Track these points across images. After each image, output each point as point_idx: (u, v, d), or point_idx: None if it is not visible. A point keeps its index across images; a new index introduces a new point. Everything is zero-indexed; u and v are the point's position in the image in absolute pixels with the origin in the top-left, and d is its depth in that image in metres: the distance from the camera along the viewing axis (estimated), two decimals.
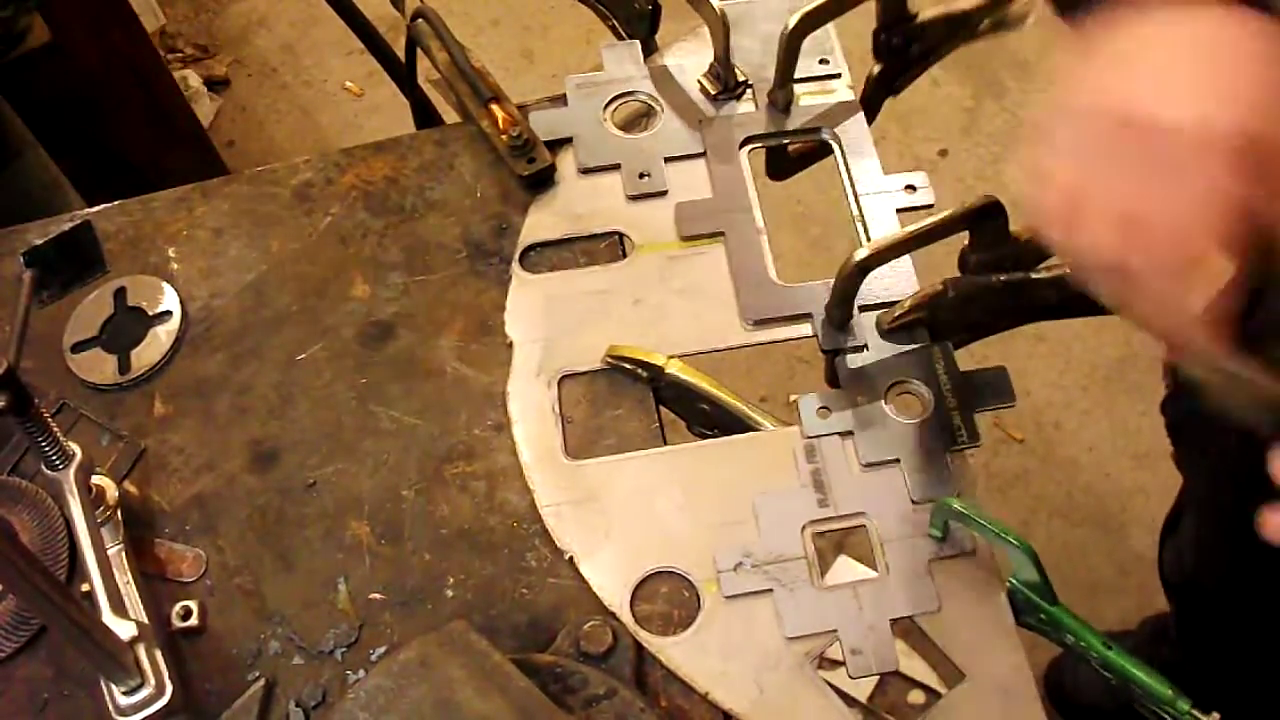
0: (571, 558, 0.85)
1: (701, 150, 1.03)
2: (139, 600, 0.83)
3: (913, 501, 0.85)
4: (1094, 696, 1.71)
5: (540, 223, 1.01)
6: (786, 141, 1.05)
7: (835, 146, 1.04)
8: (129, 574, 0.84)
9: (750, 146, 1.04)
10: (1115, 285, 0.57)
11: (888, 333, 0.92)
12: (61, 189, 1.57)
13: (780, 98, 1.04)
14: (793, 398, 0.89)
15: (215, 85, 2.79)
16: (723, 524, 0.85)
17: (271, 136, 2.71)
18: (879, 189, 1.00)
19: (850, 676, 0.79)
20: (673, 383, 0.90)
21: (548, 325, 0.95)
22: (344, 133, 2.69)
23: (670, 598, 0.83)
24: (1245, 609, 1.22)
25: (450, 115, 1.14)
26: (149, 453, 0.92)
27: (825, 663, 0.80)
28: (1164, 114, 0.52)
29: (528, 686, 0.73)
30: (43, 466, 0.83)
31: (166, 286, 0.99)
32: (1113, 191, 0.54)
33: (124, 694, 0.78)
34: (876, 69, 1.05)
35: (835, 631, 0.80)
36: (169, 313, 0.98)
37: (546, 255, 1.00)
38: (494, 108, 1.04)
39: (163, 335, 0.97)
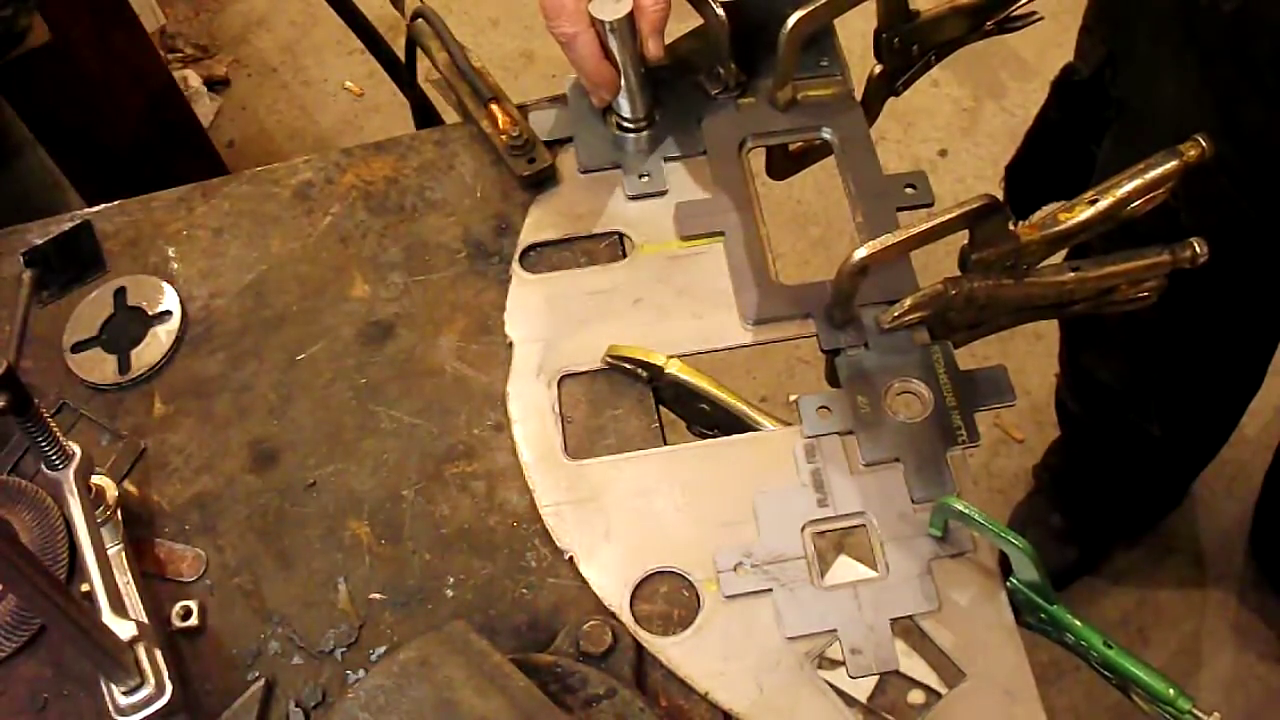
0: (571, 558, 0.85)
1: (701, 150, 1.03)
2: (139, 600, 0.83)
3: (913, 501, 0.85)
4: None
5: (540, 223, 1.01)
6: (787, 141, 1.05)
7: (835, 145, 1.03)
8: (129, 574, 0.84)
9: (750, 146, 1.04)
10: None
11: (887, 332, 0.91)
12: (61, 189, 1.57)
13: (780, 97, 1.04)
14: (793, 398, 0.89)
15: (215, 85, 2.79)
16: (723, 524, 0.85)
17: (271, 136, 2.71)
18: (879, 189, 1.00)
19: (850, 676, 0.79)
20: (673, 382, 0.90)
21: (548, 325, 0.95)
22: (344, 133, 2.70)
23: (670, 598, 0.83)
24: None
25: (450, 115, 1.14)
26: (149, 453, 0.92)
27: (825, 662, 0.80)
28: None
29: (528, 686, 0.73)
30: (43, 466, 0.83)
31: (166, 286, 0.99)
32: None
33: (124, 694, 0.78)
34: (877, 69, 1.05)
35: (835, 631, 0.80)
36: (169, 313, 0.98)
37: (546, 255, 1.00)
38: (494, 108, 1.04)
39: (163, 335, 0.97)
